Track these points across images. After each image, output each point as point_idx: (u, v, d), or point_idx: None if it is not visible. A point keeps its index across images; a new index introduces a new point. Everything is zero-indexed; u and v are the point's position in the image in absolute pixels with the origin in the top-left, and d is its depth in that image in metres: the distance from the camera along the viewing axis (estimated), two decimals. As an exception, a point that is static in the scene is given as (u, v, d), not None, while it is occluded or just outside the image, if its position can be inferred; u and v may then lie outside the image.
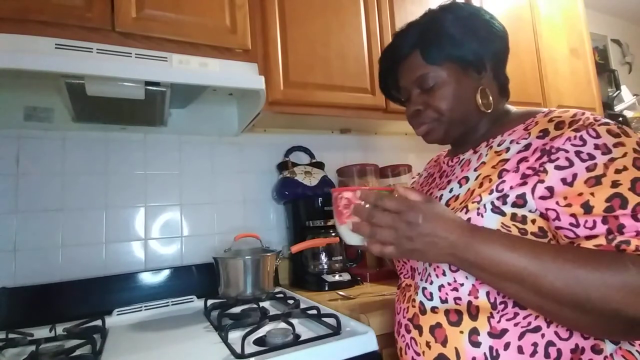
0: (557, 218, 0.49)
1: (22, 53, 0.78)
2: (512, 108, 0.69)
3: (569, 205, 0.48)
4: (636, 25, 2.78)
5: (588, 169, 0.48)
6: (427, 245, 0.50)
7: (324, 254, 1.25)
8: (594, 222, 0.46)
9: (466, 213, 0.55)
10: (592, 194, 0.46)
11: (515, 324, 0.52)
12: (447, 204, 0.61)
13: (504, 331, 0.52)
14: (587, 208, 0.46)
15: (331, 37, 1.23)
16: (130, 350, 0.79)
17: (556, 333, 0.51)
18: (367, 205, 0.54)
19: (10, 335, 0.85)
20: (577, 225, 0.47)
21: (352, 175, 1.42)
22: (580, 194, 0.47)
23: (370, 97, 1.28)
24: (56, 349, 0.78)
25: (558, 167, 0.50)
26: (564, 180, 0.49)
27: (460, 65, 0.63)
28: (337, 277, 1.20)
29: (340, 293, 1.08)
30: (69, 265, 1.10)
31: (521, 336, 0.51)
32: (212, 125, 1.31)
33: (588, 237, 0.47)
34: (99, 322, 0.95)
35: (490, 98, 0.64)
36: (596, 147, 0.49)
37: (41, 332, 0.88)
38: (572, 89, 1.76)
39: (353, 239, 0.60)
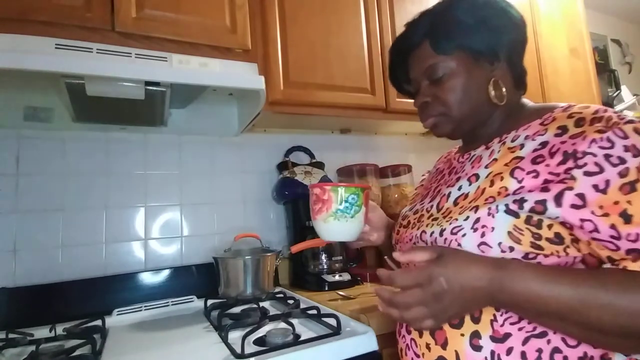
0: (596, 230, 0.46)
1: (22, 53, 0.78)
2: (529, 102, 0.65)
3: (606, 214, 0.45)
4: (636, 25, 2.78)
5: (621, 175, 0.45)
6: (464, 304, 0.48)
7: (324, 254, 1.25)
8: (637, 235, 0.43)
9: (475, 212, 0.53)
10: (629, 202, 0.44)
11: (520, 329, 0.50)
12: (456, 203, 0.59)
13: (507, 335, 0.50)
14: (626, 217, 0.44)
15: (331, 37, 1.23)
16: (130, 350, 0.79)
17: (563, 339, 0.49)
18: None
19: (10, 335, 0.85)
20: (619, 238, 0.44)
21: (352, 175, 1.42)
22: (617, 203, 0.44)
23: (370, 97, 1.28)
24: (56, 349, 0.78)
25: (588, 173, 0.46)
26: (596, 187, 0.45)
27: (471, 55, 0.60)
28: (337, 277, 1.20)
29: (340, 293, 1.08)
30: (69, 265, 1.10)
31: (525, 341, 0.49)
32: (212, 125, 1.31)
33: (630, 251, 0.44)
34: (99, 322, 0.95)
35: (504, 90, 0.60)
36: (626, 149, 0.45)
37: (41, 332, 0.88)
38: (572, 89, 1.76)
39: (326, 235, 0.59)
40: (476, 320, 0.52)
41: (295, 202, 1.33)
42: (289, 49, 1.15)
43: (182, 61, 0.94)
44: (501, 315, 0.51)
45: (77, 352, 0.77)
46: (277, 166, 1.43)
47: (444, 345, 0.54)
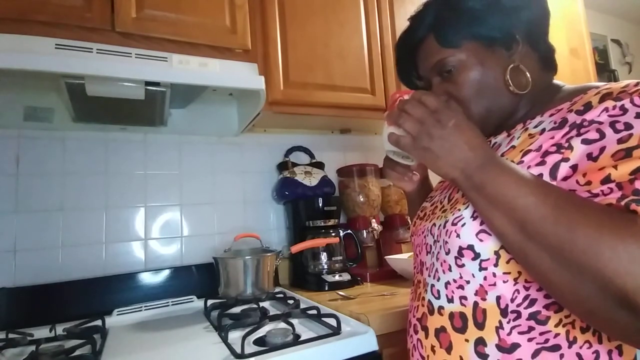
0: None
1: (22, 53, 0.78)
2: (564, 85, 0.57)
3: (588, 182, 0.40)
4: (636, 25, 2.78)
5: (620, 141, 0.39)
6: (443, 150, 0.47)
7: (324, 254, 1.25)
8: (610, 189, 0.38)
9: None
10: (614, 167, 0.38)
11: (530, 339, 0.45)
12: None
13: (515, 346, 0.46)
14: (606, 181, 0.39)
15: (331, 37, 1.23)
16: (130, 350, 0.79)
17: (578, 355, 0.44)
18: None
19: (10, 335, 0.85)
20: (594, 197, 0.40)
21: (352, 175, 1.42)
22: (602, 168, 0.39)
23: (370, 97, 1.28)
24: (56, 349, 0.78)
25: (585, 141, 0.41)
26: (589, 156, 0.41)
27: (483, 43, 0.55)
28: (337, 277, 1.20)
29: (340, 293, 1.08)
30: (69, 265, 1.10)
31: (536, 354, 0.45)
32: (212, 125, 1.31)
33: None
34: (99, 322, 0.95)
35: (528, 75, 0.54)
36: (637, 115, 0.40)
37: (41, 332, 0.88)
38: (572, 89, 1.76)
39: (388, 145, 0.57)
40: (480, 325, 0.48)
41: (295, 202, 1.33)
42: (289, 49, 1.15)
43: (182, 61, 0.94)
44: (508, 322, 0.46)
45: (77, 352, 0.77)
46: (277, 166, 1.43)
47: (448, 349, 0.52)
